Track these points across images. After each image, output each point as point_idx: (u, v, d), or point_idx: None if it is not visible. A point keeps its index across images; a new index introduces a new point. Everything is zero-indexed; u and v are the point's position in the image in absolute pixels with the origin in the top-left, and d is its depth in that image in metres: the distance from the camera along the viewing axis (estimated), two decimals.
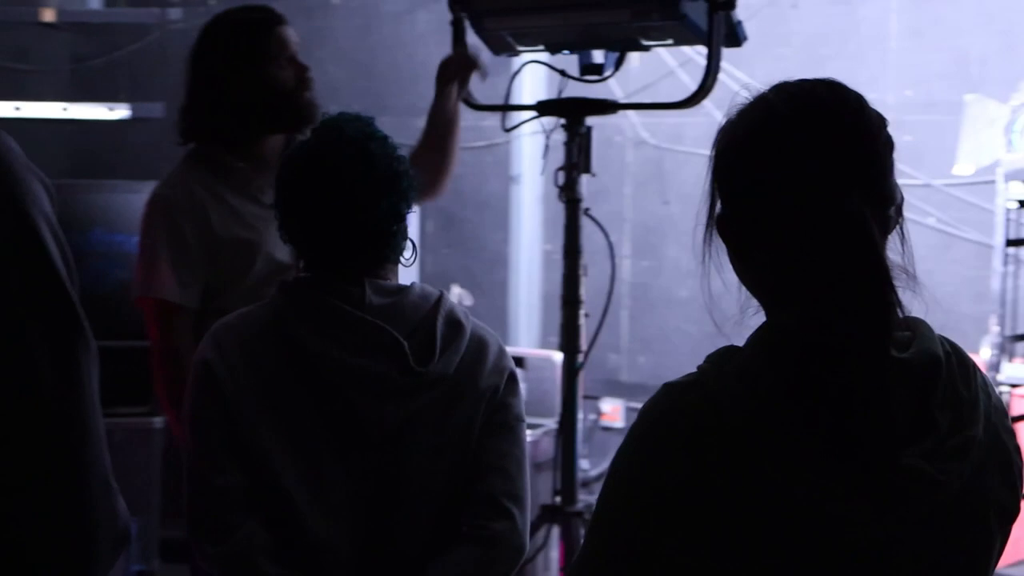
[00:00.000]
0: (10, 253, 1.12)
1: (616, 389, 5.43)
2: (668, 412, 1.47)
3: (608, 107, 3.03)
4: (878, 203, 1.46)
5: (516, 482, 2.04)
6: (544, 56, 3.16)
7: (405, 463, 1.99)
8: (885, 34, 4.74)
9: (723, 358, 1.50)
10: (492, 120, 5.49)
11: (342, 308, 1.97)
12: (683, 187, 5.19)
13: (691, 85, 4.90)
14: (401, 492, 1.99)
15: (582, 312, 3.04)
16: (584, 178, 3.06)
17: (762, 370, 1.43)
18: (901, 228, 1.50)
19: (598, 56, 3.02)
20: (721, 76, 4.73)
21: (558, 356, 3.21)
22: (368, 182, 1.99)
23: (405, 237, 2.07)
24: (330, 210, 2.00)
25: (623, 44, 2.94)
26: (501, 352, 2.08)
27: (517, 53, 3.13)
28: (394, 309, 2.00)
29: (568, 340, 3.02)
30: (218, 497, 1.95)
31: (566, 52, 3.06)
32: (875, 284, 1.41)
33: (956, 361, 1.49)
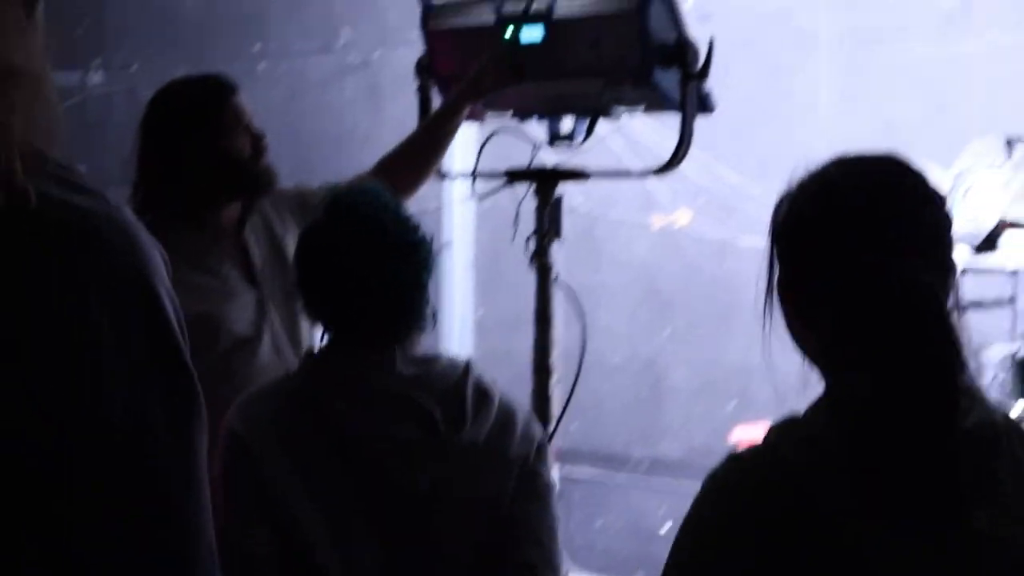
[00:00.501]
0: (138, 327, 1.11)
1: None
2: (739, 481, 1.47)
3: (580, 175, 3.03)
4: (942, 273, 1.49)
5: (549, 550, 2.04)
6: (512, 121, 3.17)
7: (436, 531, 1.99)
8: (816, 101, 4.83)
9: (788, 427, 1.50)
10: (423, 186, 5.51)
11: (372, 378, 1.97)
12: (616, 253, 5.23)
13: (619, 153, 4.98)
14: (432, 560, 1.99)
15: (553, 380, 3.03)
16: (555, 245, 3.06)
17: (831, 436, 1.44)
18: (958, 300, 1.52)
19: (568, 122, 3.03)
20: (652, 143, 4.78)
21: None
22: (387, 255, 2.00)
23: (427, 304, 2.07)
24: (352, 286, 2.01)
25: (594, 111, 2.96)
26: (530, 421, 2.10)
27: (484, 120, 3.14)
28: (423, 378, 2.00)
29: (539, 409, 3.00)
30: (250, 565, 1.93)
31: (535, 119, 3.06)
32: (943, 354, 1.43)
33: (1013, 429, 1.52)
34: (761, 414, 4.63)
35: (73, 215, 1.10)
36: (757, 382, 4.81)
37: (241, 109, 2.89)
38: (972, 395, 1.49)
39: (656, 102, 2.94)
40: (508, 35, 2.87)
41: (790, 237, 1.53)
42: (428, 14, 3.08)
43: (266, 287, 2.91)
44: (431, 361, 2.04)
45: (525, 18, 2.86)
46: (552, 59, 2.87)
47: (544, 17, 2.85)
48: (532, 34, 2.86)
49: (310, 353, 2.07)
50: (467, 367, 2.06)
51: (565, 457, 5.34)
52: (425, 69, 3.11)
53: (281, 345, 2.89)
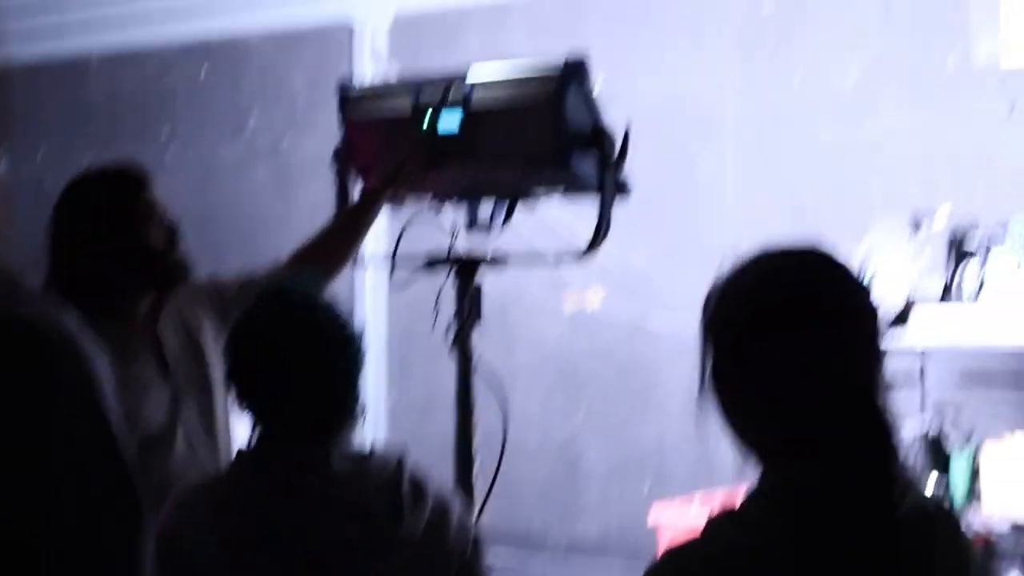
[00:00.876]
0: (85, 444, 1.10)
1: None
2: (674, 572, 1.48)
3: (499, 261, 3.05)
4: (873, 362, 1.52)
5: None
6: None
7: None
8: (722, 185, 4.91)
9: (727, 518, 1.51)
10: None
11: (309, 476, 1.95)
12: (528, 336, 5.24)
13: (530, 235, 5.01)
14: None
15: (476, 465, 3.03)
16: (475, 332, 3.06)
17: (773, 526, 1.46)
18: (886, 385, 1.56)
19: (486, 208, 3.05)
20: (561, 224, 4.79)
21: None
22: (321, 350, 1.99)
23: (359, 399, 2.06)
24: (287, 381, 1.99)
25: (512, 197, 2.98)
26: (464, 513, 2.09)
27: (402, 206, 3.15)
28: (359, 474, 1.98)
29: (462, 492, 2.99)
30: None
31: (454, 203, 3.08)
32: (881, 445, 1.47)
33: (944, 514, 1.56)
34: (677, 493, 4.66)
35: (19, 328, 1.08)
36: (672, 461, 4.83)
37: (154, 200, 2.87)
38: (905, 481, 1.52)
39: (574, 186, 2.97)
40: (426, 124, 2.89)
41: (723, 333, 1.55)
42: (345, 104, 3.09)
43: (180, 380, 2.88)
44: (365, 456, 2.03)
45: (442, 107, 2.89)
46: (470, 147, 2.89)
47: (461, 106, 2.87)
48: (449, 123, 2.88)
49: (240, 452, 2.04)
50: (401, 461, 2.06)
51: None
52: (342, 158, 3.11)
53: (195, 440, 2.85)
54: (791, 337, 1.49)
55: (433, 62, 5.20)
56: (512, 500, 5.25)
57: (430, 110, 2.89)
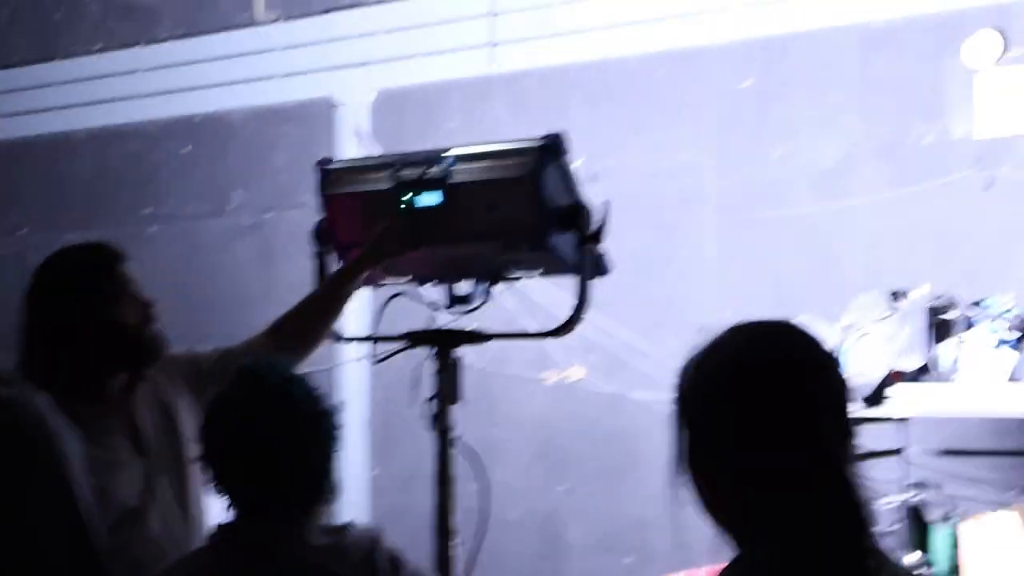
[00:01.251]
0: (54, 525, 1.11)
1: None
2: None
3: (480, 337, 3.06)
4: (843, 439, 1.53)
5: None
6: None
7: None
8: (703, 256, 4.93)
9: None
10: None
11: (285, 552, 1.95)
12: (509, 409, 5.24)
13: (511, 309, 5.03)
14: None
15: (456, 542, 3.02)
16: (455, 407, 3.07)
17: None
18: (856, 460, 1.57)
19: (465, 286, 3.07)
20: (545, 302, 4.82)
21: None
22: (295, 430, 2.00)
23: (334, 477, 2.07)
24: (260, 461, 2.00)
25: (492, 275, 3.00)
26: None
27: (381, 284, 3.16)
28: (336, 549, 1.99)
29: (442, 572, 2.98)
30: None
31: (433, 281, 3.09)
32: (852, 526, 1.47)
33: None
34: (659, 568, 4.64)
35: None
36: (655, 536, 4.82)
37: (128, 277, 2.89)
38: (878, 557, 1.52)
39: (553, 265, 2.98)
40: (405, 200, 2.91)
41: (696, 410, 1.56)
42: (326, 179, 3.10)
43: (155, 456, 2.87)
44: (342, 531, 2.04)
45: (422, 182, 2.90)
46: (449, 224, 2.90)
47: (441, 183, 2.89)
48: (429, 199, 2.90)
49: (219, 528, 2.05)
50: (378, 537, 2.07)
51: None
52: (322, 234, 3.12)
53: (170, 515, 2.84)
54: (759, 413, 1.50)
55: (416, 138, 5.26)
56: (493, 574, 5.22)
57: (410, 186, 2.91)
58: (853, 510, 1.48)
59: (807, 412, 1.51)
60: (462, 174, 2.90)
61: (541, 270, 3.03)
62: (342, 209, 3.08)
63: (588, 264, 2.91)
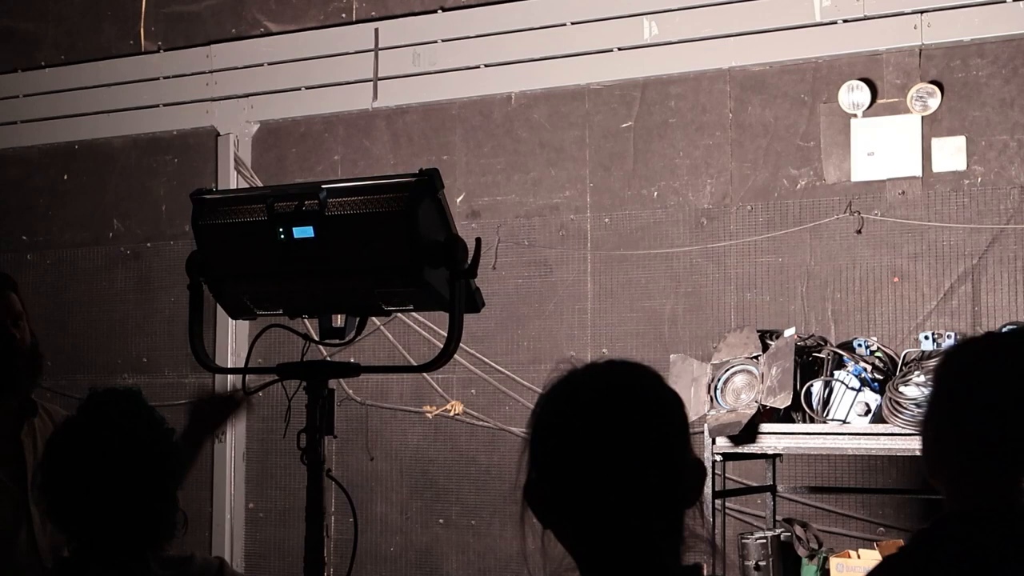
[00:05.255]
0: None
1: None
2: None
3: (351, 370, 3.06)
4: (674, 477, 1.57)
5: None
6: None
7: None
8: (581, 294, 4.99)
9: None
10: (193, 376, 5.47)
11: None
12: (388, 443, 5.25)
13: (392, 340, 5.04)
14: None
15: (330, 572, 3.01)
16: (326, 440, 3.05)
17: None
18: (701, 503, 1.62)
19: (338, 319, 3.06)
20: (427, 335, 4.83)
21: None
22: (136, 464, 2.00)
23: (176, 510, 2.07)
24: (100, 494, 1.99)
25: (364, 309, 3.00)
26: None
27: (256, 317, 3.15)
28: None
29: None
30: None
31: (306, 317, 3.09)
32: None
33: None
34: None
35: None
36: (533, 570, 4.85)
37: (13, 302, 3.00)
38: None
39: (426, 300, 2.98)
40: (282, 232, 2.89)
41: (534, 442, 1.61)
42: (200, 209, 3.07)
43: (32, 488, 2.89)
44: (185, 562, 2.03)
45: (297, 217, 2.90)
46: (323, 257, 2.90)
47: (316, 216, 2.89)
48: (303, 232, 2.90)
49: (62, 559, 2.03)
50: (221, 564, 2.06)
51: None
52: (195, 265, 3.09)
53: (42, 544, 2.86)
54: (592, 446, 1.55)
55: (297, 170, 5.27)
56: None
57: (285, 217, 2.90)
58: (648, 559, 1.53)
59: (633, 450, 1.55)
60: (337, 207, 2.90)
61: (413, 305, 3.04)
62: (216, 240, 3.06)
63: (460, 299, 2.92)
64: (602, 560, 1.53)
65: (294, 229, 2.90)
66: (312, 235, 2.89)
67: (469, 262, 2.91)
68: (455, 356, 4.67)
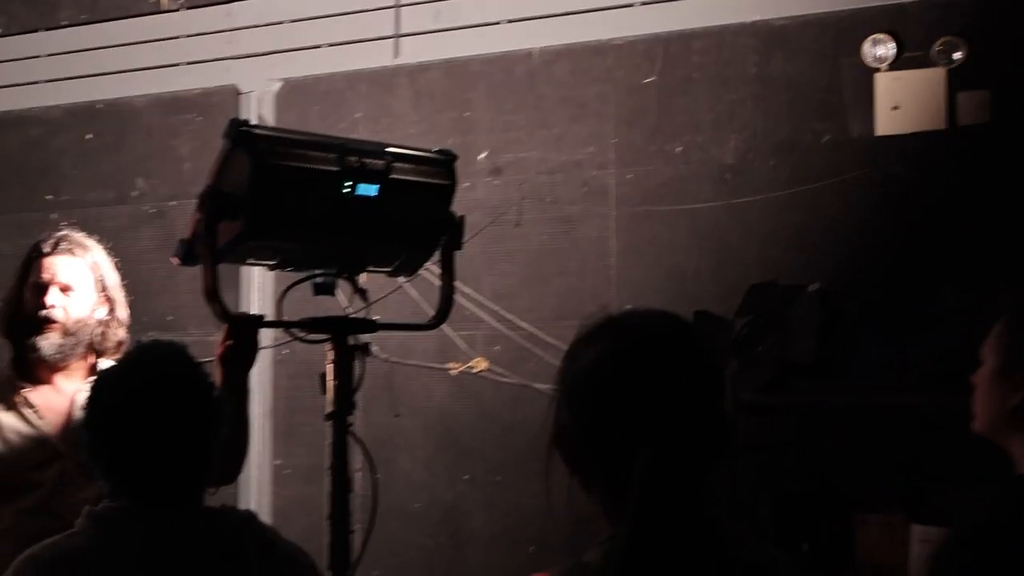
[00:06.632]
0: None
1: None
2: None
3: (371, 327, 3.09)
4: (713, 427, 1.57)
5: None
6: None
7: None
8: (605, 251, 4.98)
9: (571, 573, 1.56)
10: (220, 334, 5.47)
11: (161, 537, 1.95)
12: (413, 400, 5.26)
13: (416, 297, 5.05)
14: None
15: (352, 531, 3.04)
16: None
17: None
18: (729, 460, 1.62)
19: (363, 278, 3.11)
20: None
21: None
22: (189, 412, 2.01)
23: (218, 461, 2.08)
24: (153, 441, 2.00)
25: (350, 267, 3.05)
26: (313, 568, 2.12)
27: (283, 269, 3.14)
28: (210, 532, 1.99)
29: (337, 559, 2.99)
30: None
31: (290, 269, 3.09)
32: (693, 523, 1.52)
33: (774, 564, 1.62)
34: (561, 559, 4.68)
35: None
36: (556, 527, 4.86)
37: (39, 266, 3.39)
38: (733, 540, 1.57)
39: (407, 265, 3.10)
40: (348, 186, 2.86)
41: (573, 392, 1.61)
42: (260, 147, 2.83)
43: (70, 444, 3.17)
44: (218, 513, 2.05)
45: (366, 174, 2.88)
46: (375, 217, 2.91)
47: (381, 176, 2.89)
48: (368, 190, 2.88)
49: (94, 511, 2.03)
50: (248, 518, 2.08)
51: None
52: (226, 203, 2.83)
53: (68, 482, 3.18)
54: (639, 387, 1.55)
55: (319, 128, 5.26)
56: (396, 565, 5.24)
57: (354, 172, 2.86)
58: (696, 514, 1.53)
59: (674, 399, 1.55)
60: (398, 172, 2.94)
61: (406, 271, 3.13)
62: (274, 182, 2.82)
63: (452, 269, 3.13)
64: (633, 508, 1.53)
65: (359, 185, 2.88)
66: (374, 194, 2.89)
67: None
68: (480, 313, 4.72)
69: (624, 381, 1.58)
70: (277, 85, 5.57)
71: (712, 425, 1.58)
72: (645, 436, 1.53)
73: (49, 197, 6.02)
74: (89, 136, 5.95)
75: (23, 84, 6.05)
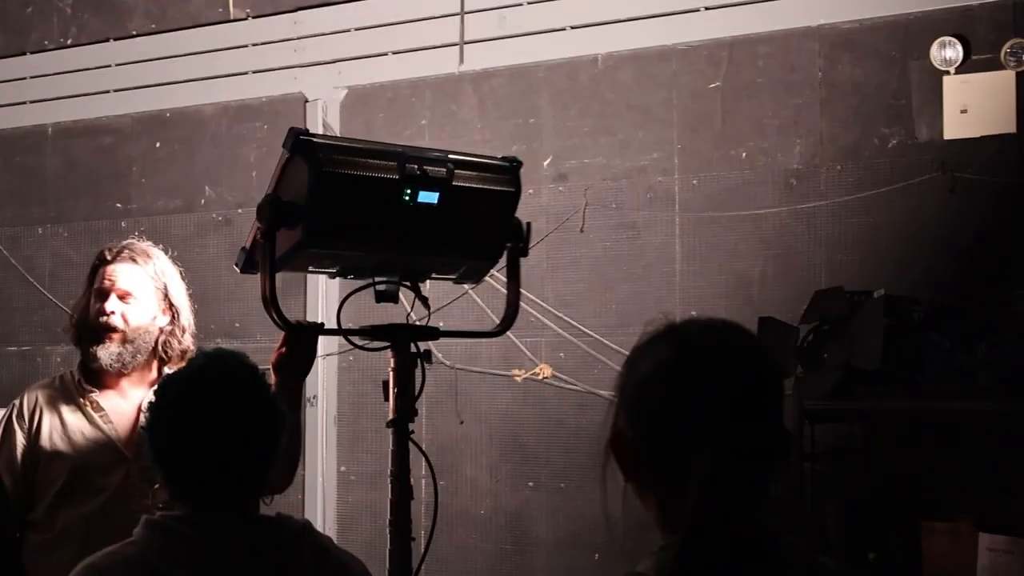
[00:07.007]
0: None
1: None
2: None
3: (434, 334, 3.09)
4: (773, 438, 1.56)
5: None
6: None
7: None
8: (670, 257, 4.97)
9: None
10: None
11: (217, 544, 1.96)
12: (478, 407, 5.27)
13: (481, 304, 5.05)
14: None
15: (412, 538, 3.03)
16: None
17: None
18: (786, 471, 1.61)
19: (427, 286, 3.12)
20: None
21: None
22: (251, 420, 2.02)
23: (275, 471, 2.09)
24: (213, 447, 2.01)
25: (413, 275, 3.04)
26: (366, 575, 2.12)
27: (344, 277, 3.15)
28: (266, 540, 2.00)
29: (398, 566, 2.99)
30: None
31: (351, 277, 3.08)
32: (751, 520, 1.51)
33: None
34: (626, 566, 4.66)
35: None
36: (611, 525, 4.85)
37: (103, 273, 3.41)
38: (789, 551, 1.55)
39: (471, 274, 3.15)
40: (409, 194, 2.86)
41: (631, 398, 1.60)
42: (320, 156, 2.81)
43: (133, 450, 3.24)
44: (273, 522, 2.05)
45: (427, 181, 2.87)
46: (437, 224, 2.91)
47: (443, 183, 2.89)
48: (429, 198, 2.88)
49: (151, 519, 2.05)
50: (304, 527, 2.09)
51: None
52: (288, 212, 2.83)
53: (132, 491, 3.23)
54: (698, 396, 1.54)
55: (385, 136, 5.28)
56: (461, 571, 5.26)
57: (415, 179, 2.85)
58: (753, 533, 1.51)
59: (737, 411, 1.55)
60: (461, 178, 2.94)
61: (455, 276, 3.13)
62: (335, 190, 2.80)
63: (518, 275, 3.12)
64: (688, 517, 1.52)
65: (420, 193, 2.88)
66: (435, 202, 2.88)
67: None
68: (544, 320, 4.71)
69: (683, 389, 1.57)
70: (343, 93, 5.60)
71: (770, 435, 1.57)
72: (702, 445, 1.52)
73: (118, 205, 6.09)
74: (158, 144, 6.02)
75: (94, 93, 6.13)
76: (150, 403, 2.12)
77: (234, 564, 1.98)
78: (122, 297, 3.39)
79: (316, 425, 5.49)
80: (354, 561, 2.16)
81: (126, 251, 3.45)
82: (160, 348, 3.41)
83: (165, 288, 3.45)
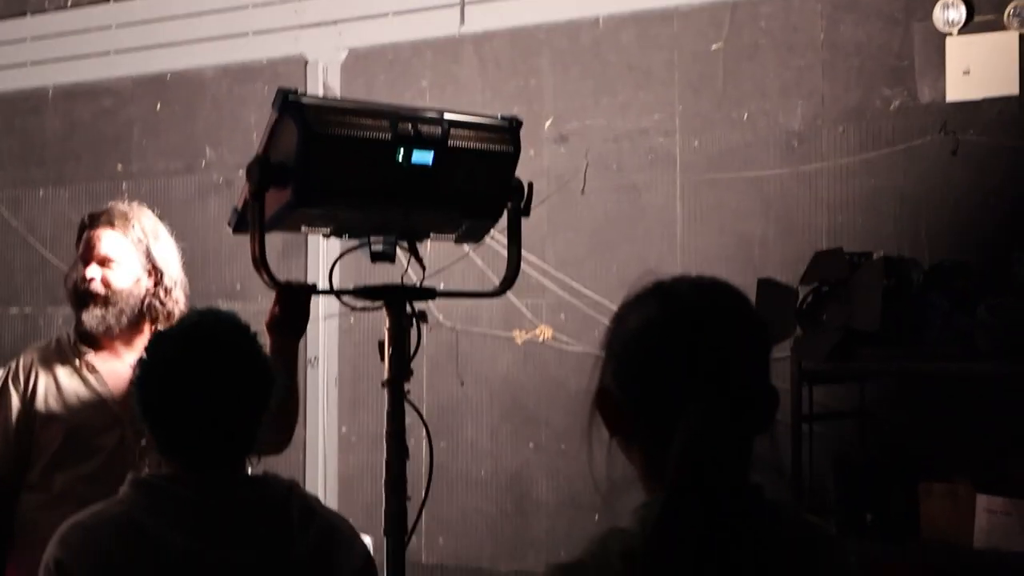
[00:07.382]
0: None
1: (415, 571, 5.39)
2: None
3: (429, 294, 3.08)
4: (759, 396, 1.56)
5: None
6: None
7: None
8: (671, 218, 4.96)
9: (607, 539, 1.55)
10: None
11: (204, 503, 1.96)
12: (479, 368, 5.27)
13: (482, 265, 5.05)
14: None
15: (408, 497, 3.03)
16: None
17: (644, 550, 1.49)
18: (772, 429, 1.60)
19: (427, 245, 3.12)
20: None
21: (366, 539, 3.19)
22: (238, 379, 2.01)
23: (263, 430, 2.09)
24: (200, 405, 2.01)
25: (410, 234, 3.03)
26: (354, 537, 2.12)
27: (339, 236, 3.14)
28: (254, 499, 2.01)
29: (394, 525, 3.00)
30: None
31: (346, 237, 3.07)
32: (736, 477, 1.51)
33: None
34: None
35: None
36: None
37: (87, 238, 3.41)
38: (773, 509, 1.55)
39: (471, 234, 3.13)
40: (403, 155, 2.85)
41: (618, 354, 1.60)
42: (309, 116, 2.79)
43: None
44: (259, 480, 2.06)
45: (420, 140, 2.86)
46: (432, 184, 2.89)
47: (437, 143, 2.87)
48: (423, 157, 2.86)
49: (138, 478, 2.05)
50: (291, 486, 2.09)
51: (432, 572, 5.35)
52: (277, 173, 2.81)
53: (129, 445, 3.24)
54: (679, 362, 1.54)
55: (386, 97, 5.26)
56: (462, 532, 5.27)
57: (409, 139, 2.82)
58: (734, 484, 1.51)
59: (722, 369, 1.54)
60: (455, 139, 2.92)
61: (455, 235, 3.11)
62: (327, 152, 2.78)
63: (519, 234, 3.10)
64: (671, 473, 1.52)
65: (414, 152, 2.86)
66: (430, 162, 2.87)
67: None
68: (544, 282, 4.71)
69: (670, 345, 1.56)
70: (344, 54, 5.58)
71: (757, 393, 1.56)
72: (687, 402, 1.52)
73: (119, 167, 6.08)
74: (158, 106, 6.01)
75: (94, 55, 6.11)
76: (140, 359, 2.11)
77: (222, 523, 1.98)
78: (102, 262, 3.37)
79: (317, 386, 5.50)
80: (342, 521, 2.16)
81: (106, 215, 3.42)
82: (146, 309, 3.38)
83: (148, 250, 3.41)
